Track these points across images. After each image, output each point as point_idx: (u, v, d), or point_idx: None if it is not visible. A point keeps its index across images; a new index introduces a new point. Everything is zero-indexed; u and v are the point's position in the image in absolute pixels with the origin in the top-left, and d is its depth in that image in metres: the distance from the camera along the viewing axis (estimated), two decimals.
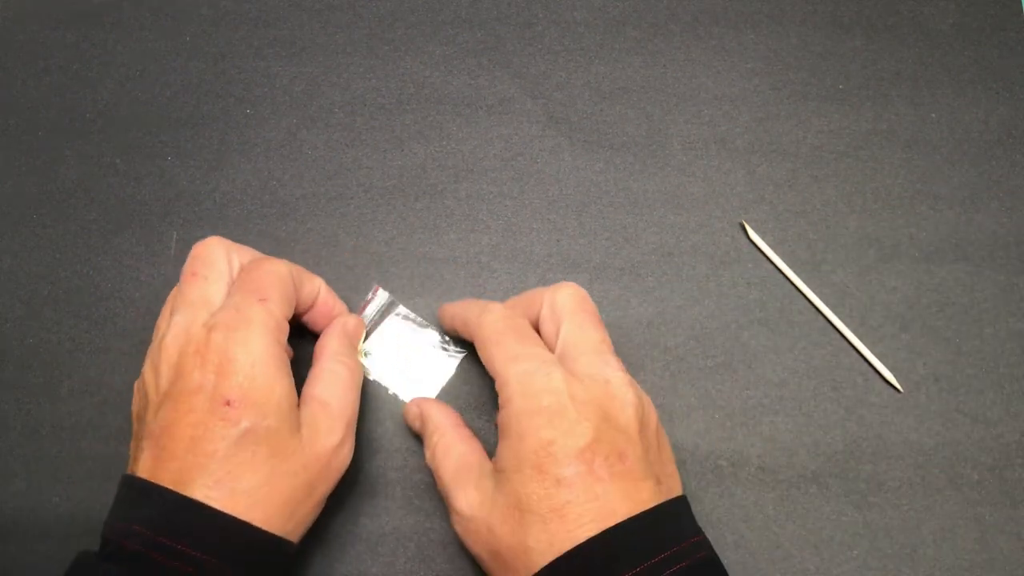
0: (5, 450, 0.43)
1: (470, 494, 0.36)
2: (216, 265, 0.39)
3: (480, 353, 0.38)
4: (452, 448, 0.38)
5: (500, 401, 0.36)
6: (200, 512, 0.33)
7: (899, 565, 0.42)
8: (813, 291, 0.45)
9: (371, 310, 0.45)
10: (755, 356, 0.45)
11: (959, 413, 0.44)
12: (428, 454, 0.39)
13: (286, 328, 0.38)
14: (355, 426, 0.39)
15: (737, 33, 0.50)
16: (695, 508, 0.37)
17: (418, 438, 0.43)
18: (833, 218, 0.47)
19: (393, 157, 0.48)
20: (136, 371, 0.45)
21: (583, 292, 0.39)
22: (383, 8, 0.51)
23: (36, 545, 0.42)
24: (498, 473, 0.35)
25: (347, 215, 0.47)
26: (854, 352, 0.45)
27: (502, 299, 0.46)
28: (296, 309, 0.40)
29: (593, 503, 0.33)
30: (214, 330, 0.36)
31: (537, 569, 0.33)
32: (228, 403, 0.34)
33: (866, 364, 0.44)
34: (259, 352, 0.36)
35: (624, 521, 0.32)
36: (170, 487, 0.34)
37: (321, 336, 0.42)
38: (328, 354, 0.40)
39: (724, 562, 0.35)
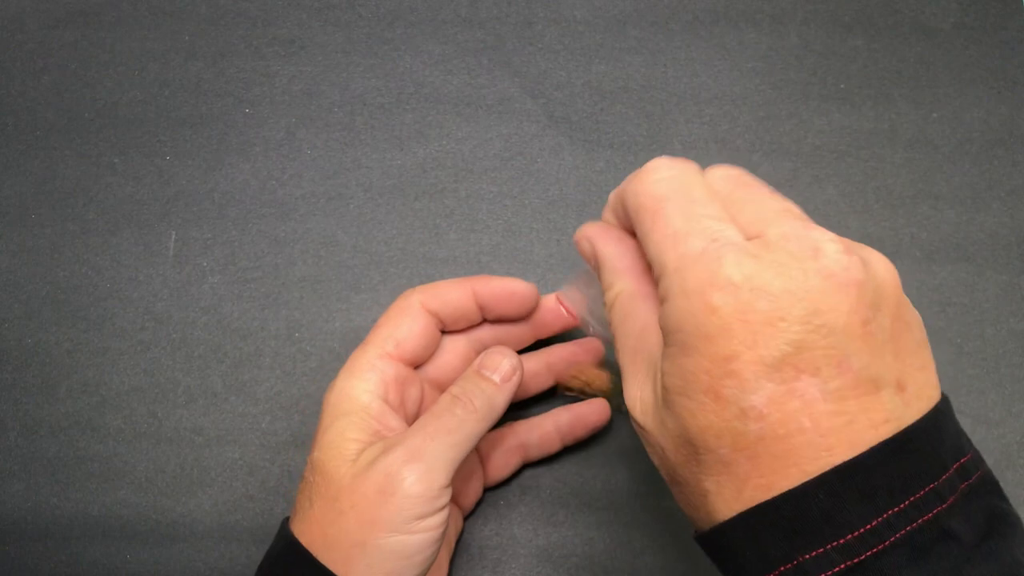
0: (4, 450, 0.43)
1: (644, 390, 0.27)
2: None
3: (637, 233, 0.27)
4: (635, 309, 0.28)
5: (659, 293, 0.26)
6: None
7: None
8: None
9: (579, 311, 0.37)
10: None
11: (959, 413, 0.43)
12: (607, 307, 0.30)
13: (385, 369, 0.35)
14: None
15: (738, 32, 0.50)
16: None
17: None
18: (834, 218, 0.47)
19: (393, 157, 0.48)
20: (135, 371, 0.45)
21: (740, 170, 0.28)
22: (383, 8, 0.51)
23: (35, 545, 0.42)
24: (664, 391, 0.25)
25: (347, 215, 0.47)
26: None
27: None
28: (464, 322, 0.38)
29: (798, 439, 0.23)
30: None
31: (716, 523, 0.25)
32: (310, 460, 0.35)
33: None
34: (328, 400, 0.35)
35: (843, 464, 0.23)
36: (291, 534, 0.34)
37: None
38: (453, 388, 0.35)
39: None
